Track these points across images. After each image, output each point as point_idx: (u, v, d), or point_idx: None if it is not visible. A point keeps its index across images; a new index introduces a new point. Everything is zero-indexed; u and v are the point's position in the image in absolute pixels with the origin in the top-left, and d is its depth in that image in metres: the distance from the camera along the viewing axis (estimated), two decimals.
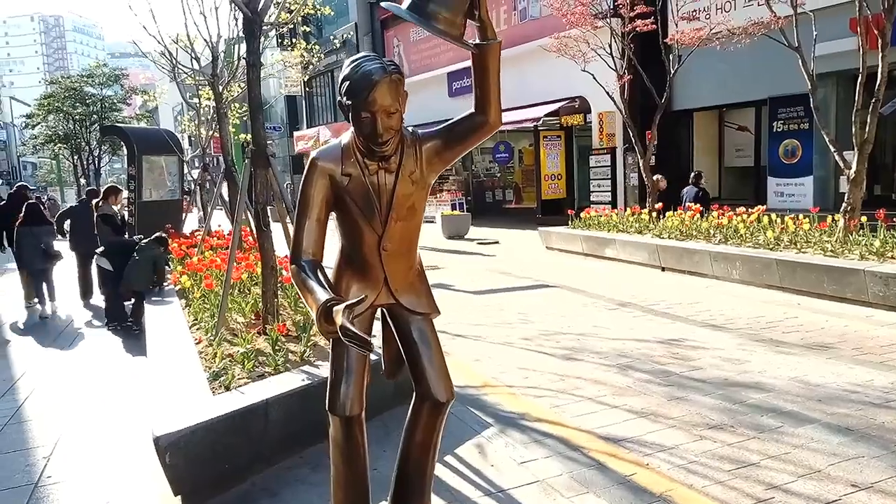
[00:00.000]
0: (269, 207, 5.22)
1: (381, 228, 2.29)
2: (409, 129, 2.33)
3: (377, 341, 2.65)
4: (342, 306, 1.92)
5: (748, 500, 3.01)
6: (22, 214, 8.98)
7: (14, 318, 8.92)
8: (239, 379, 3.99)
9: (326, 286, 2.11)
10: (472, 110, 2.29)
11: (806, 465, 3.32)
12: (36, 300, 9.16)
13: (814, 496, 3.01)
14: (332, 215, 2.36)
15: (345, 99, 2.17)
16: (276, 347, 4.45)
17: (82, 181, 39.53)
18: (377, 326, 2.67)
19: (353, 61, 2.18)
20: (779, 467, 3.31)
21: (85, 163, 38.37)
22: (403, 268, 2.39)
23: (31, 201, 9.43)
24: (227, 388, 3.83)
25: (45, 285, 9.02)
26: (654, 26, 11.04)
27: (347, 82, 2.15)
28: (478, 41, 2.23)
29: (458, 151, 2.35)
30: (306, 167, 2.29)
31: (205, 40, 8.24)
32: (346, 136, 2.30)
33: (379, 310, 2.48)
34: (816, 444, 3.55)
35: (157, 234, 7.97)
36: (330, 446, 2.37)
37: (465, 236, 15.97)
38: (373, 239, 2.31)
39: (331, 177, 2.25)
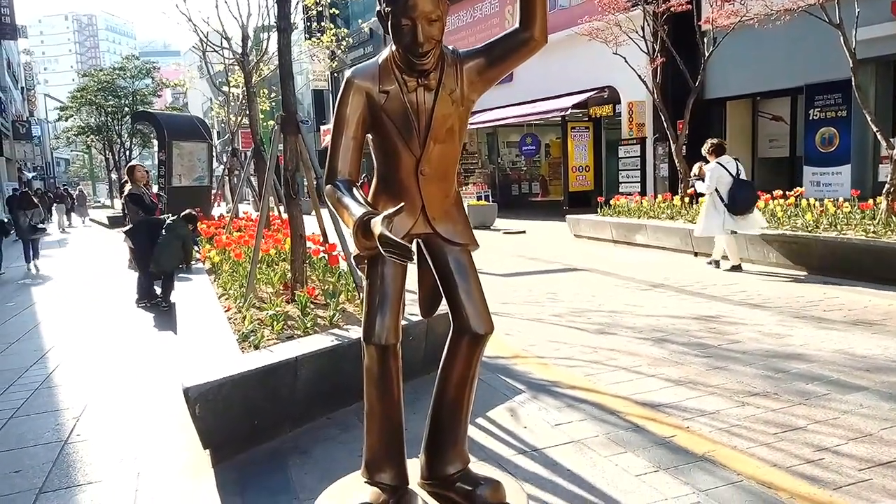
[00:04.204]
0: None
1: (420, 150, 2.21)
2: (450, 48, 2.24)
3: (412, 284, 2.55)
4: (379, 217, 1.83)
5: (796, 460, 2.88)
6: (18, 200, 12.52)
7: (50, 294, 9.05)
8: (268, 340, 3.94)
9: (363, 202, 2.02)
10: (517, 26, 2.19)
11: (856, 429, 3.17)
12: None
13: (866, 458, 2.87)
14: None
15: (384, 7, 2.09)
16: (305, 311, 4.40)
17: (114, 176, 40.06)
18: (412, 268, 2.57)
19: None
20: (827, 431, 3.16)
21: (116, 156, 38.89)
22: (441, 194, 2.30)
23: (23, 189, 14.24)
24: (257, 348, 3.79)
25: (31, 251, 11.99)
26: (688, 6, 10.82)
27: None
28: None
29: (500, 70, 2.25)
30: (342, 86, 2.20)
31: (235, 18, 8.24)
32: (384, 53, 2.21)
33: (415, 243, 2.38)
34: (866, 410, 3.39)
35: (187, 211, 7.95)
36: (364, 380, 2.28)
37: (491, 227, 15.83)
38: (410, 162, 2.22)
39: (367, 94, 2.17)
